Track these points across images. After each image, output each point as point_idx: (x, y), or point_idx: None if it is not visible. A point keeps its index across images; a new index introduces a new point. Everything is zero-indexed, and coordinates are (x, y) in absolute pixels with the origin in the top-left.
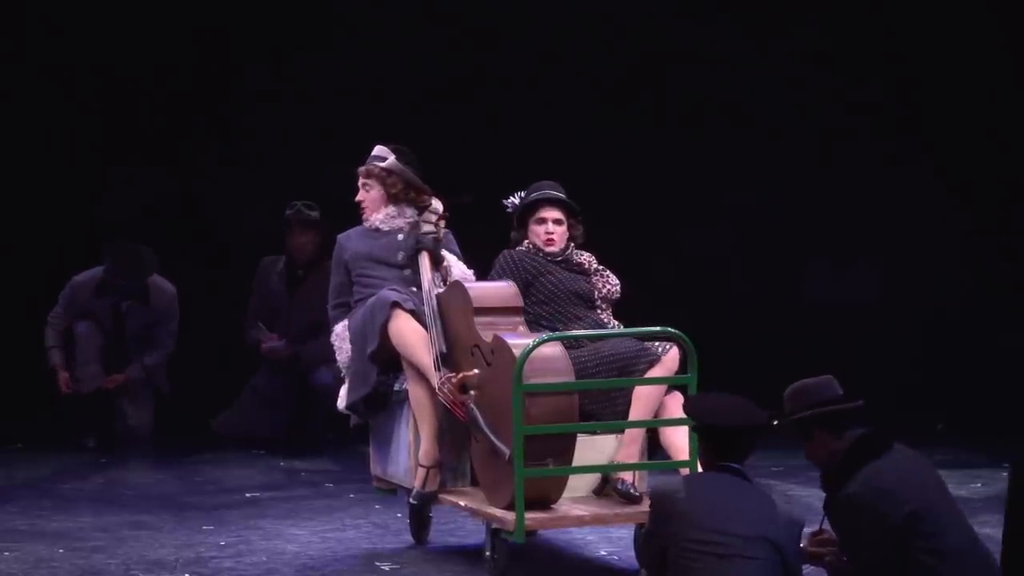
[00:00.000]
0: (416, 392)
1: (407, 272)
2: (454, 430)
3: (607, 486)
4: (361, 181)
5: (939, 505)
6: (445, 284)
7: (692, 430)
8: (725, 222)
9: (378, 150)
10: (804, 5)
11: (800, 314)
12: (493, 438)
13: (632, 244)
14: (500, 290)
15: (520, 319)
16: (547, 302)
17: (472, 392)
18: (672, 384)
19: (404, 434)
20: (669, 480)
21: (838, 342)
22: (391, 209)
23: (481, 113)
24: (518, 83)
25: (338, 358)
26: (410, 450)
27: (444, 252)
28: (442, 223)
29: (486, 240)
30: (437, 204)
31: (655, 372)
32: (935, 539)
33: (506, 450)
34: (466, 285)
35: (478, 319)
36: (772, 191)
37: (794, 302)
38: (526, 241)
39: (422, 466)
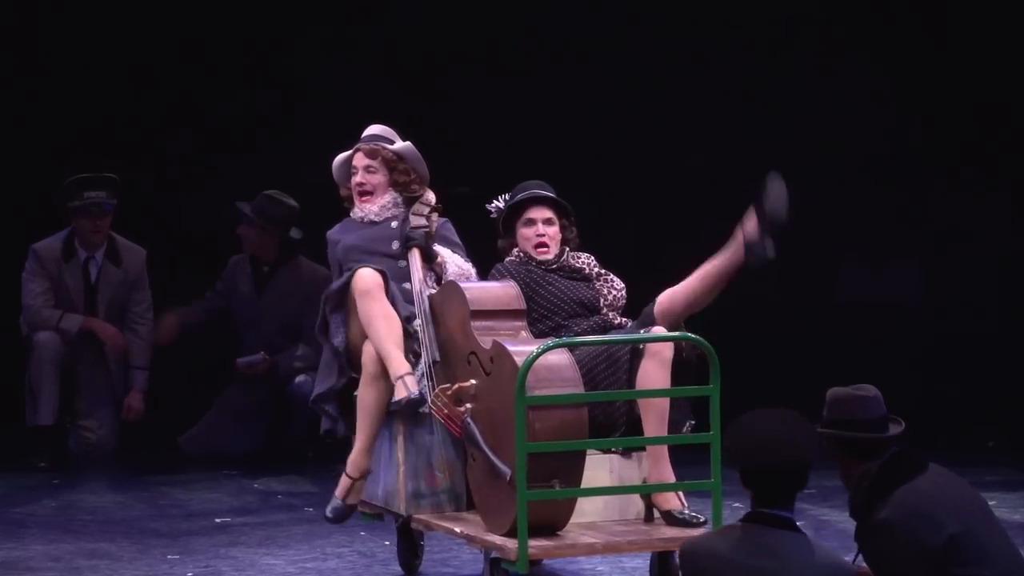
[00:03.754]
0: (366, 395)
1: (402, 263)
2: (448, 447)
3: (655, 513)
4: (365, 163)
5: (981, 528)
6: (439, 284)
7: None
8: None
9: (380, 130)
10: None
11: (833, 316)
12: (492, 457)
13: (645, 237)
14: (500, 291)
15: (523, 323)
16: (548, 316)
17: (469, 405)
18: (695, 393)
19: (391, 452)
20: (700, 539)
21: (875, 347)
22: (387, 198)
23: (480, 96)
24: (520, 66)
25: None
26: (398, 470)
27: (437, 247)
28: (435, 216)
29: (485, 234)
30: (429, 195)
31: (650, 364)
32: (977, 565)
33: (507, 470)
34: (462, 285)
35: (475, 323)
36: (802, 180)
37: (827, 303)
38: (515, 249)
39: (348, 476)
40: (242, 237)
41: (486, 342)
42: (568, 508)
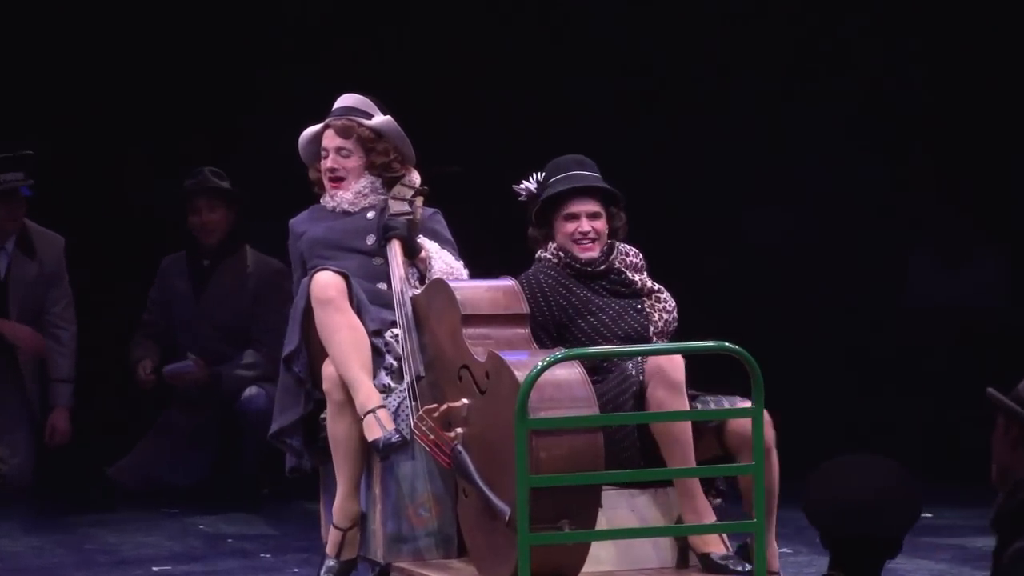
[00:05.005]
0: (337, 428)
1: (378, 261)
2: (436, 480)
3: (692, 558)
4: (337, 144)
5: None
6: (423, 283)
7: None
8: (799, 200)
9: (355, 101)
10: None
11: (902, 321)
12: (488, 492)
13: (677, 228)
14: (498, 291)
15: (525, 331)
16: None
17: (460, 429)
18: (736, 414)
19: (367, 487)
20: None
21: (953, 357)
22: (363, 183)
23: (476, 59)
24: (526, 22)
25: None
26: (375, 508)
27: (422, 239)
28: (420, 201)
29: (479, 225)
30: (413, 176)
31: (660, 392)
32: None
33: (506, 508)
34: (452, 285)
35: (468, 330)
36: (862, 161)
37: (894, 305)
38: (552, 245)
39: (336, 527)
40: (209, 221)
41: (480, 353)
42: (580, 554)
